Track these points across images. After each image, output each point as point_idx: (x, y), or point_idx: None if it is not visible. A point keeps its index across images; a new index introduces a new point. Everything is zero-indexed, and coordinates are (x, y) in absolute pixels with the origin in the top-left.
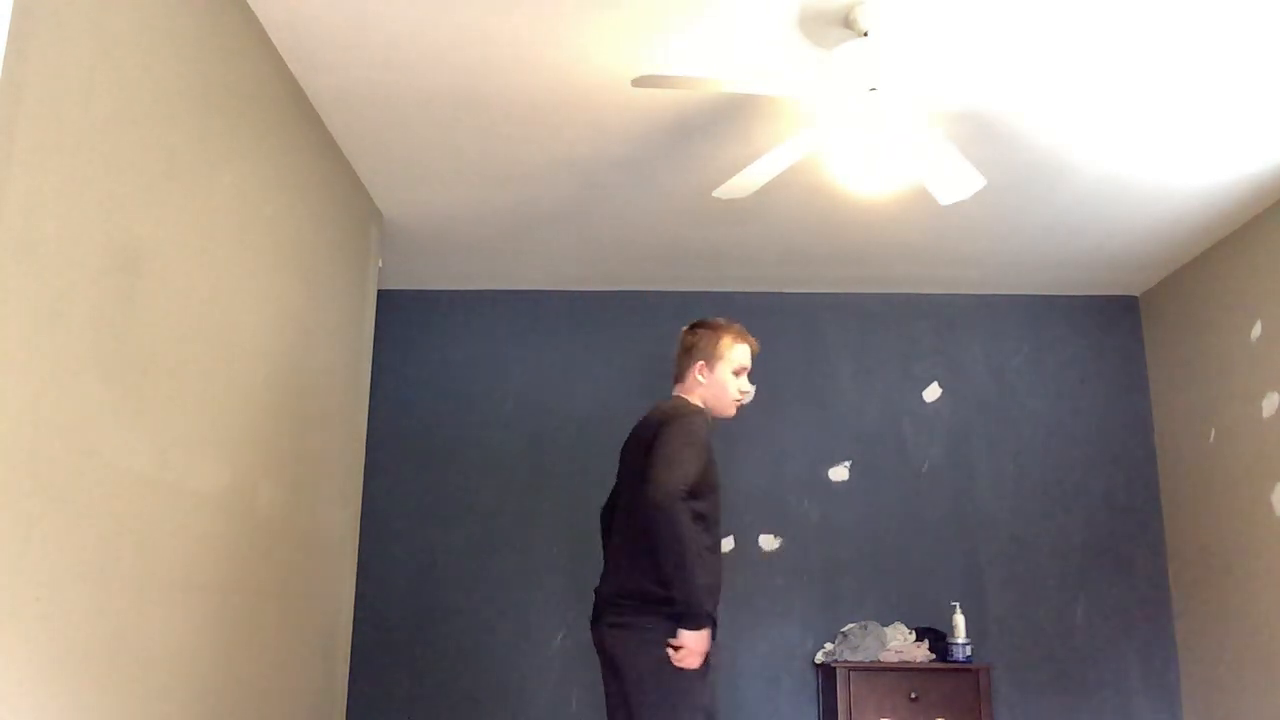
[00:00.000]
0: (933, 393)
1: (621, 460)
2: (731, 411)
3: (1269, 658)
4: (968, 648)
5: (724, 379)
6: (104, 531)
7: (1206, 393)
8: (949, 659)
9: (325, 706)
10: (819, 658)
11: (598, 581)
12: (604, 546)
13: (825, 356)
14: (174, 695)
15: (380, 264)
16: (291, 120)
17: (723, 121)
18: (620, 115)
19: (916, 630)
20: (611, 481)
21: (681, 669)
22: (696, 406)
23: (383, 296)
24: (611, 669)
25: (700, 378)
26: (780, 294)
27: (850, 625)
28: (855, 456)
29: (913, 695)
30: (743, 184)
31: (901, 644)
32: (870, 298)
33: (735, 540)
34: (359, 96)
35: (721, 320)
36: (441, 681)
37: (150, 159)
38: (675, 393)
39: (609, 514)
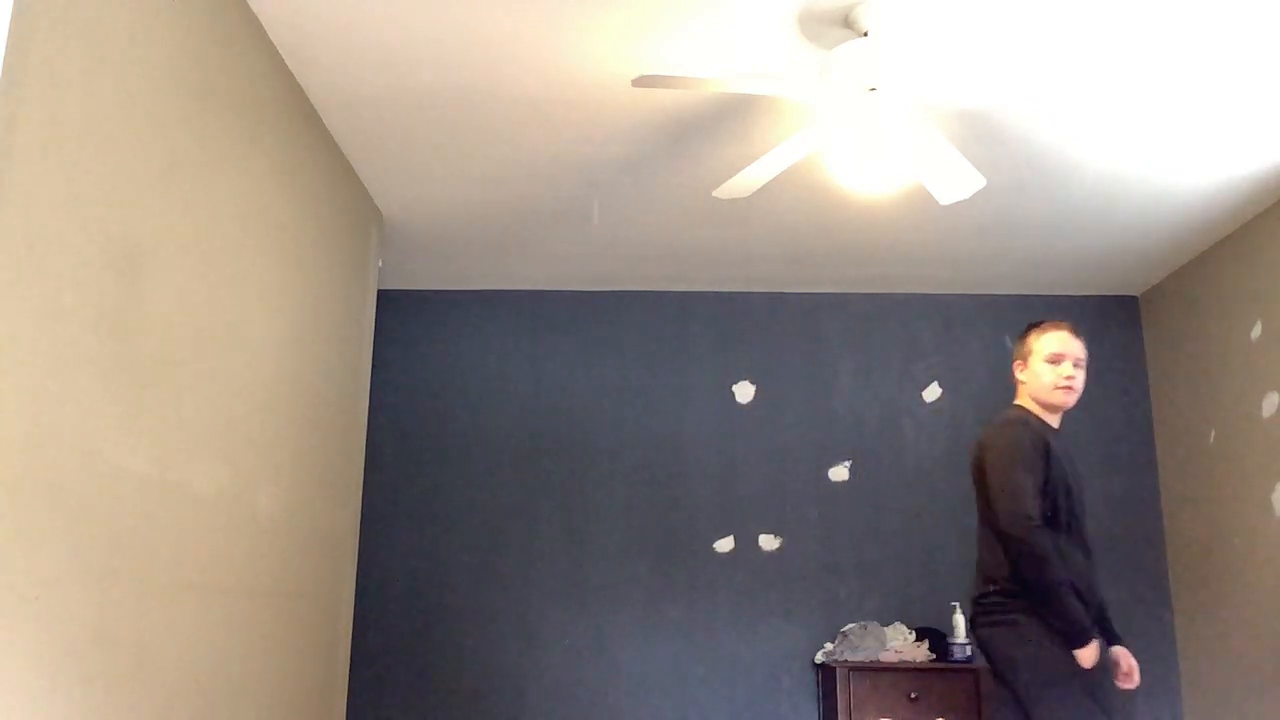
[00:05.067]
0: (933, 393)
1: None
2: (1060, 399)
3: (1269, 657)
4: (968, 648)
5: (1037, 369)
6: (104, 531)
7: (1206, 393)
8: (949, 659)
9: (325, 706)
10: (819, 658)
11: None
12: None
13: (825, 356)
14: (174, 695)
15: (380, 264)
16: (291, 120)
17: (723, 121)
18: (620, 115)
19: (916, 630)
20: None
21: (1058, 664)
22: (1012, 416)
23: (383, 296)
24: (993, 668)
25: (1021, 376)
26: (780, 294)
27: (850, 625)
28: (855, 456)
29: (913, 695)
30: (743, 184)
31: (901, 644)
32: (870, 298)
33: (735, 540)
34: (359, 96)
35: (1035, 321)
36: (442, 681)
37: (150, 159)
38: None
39: None
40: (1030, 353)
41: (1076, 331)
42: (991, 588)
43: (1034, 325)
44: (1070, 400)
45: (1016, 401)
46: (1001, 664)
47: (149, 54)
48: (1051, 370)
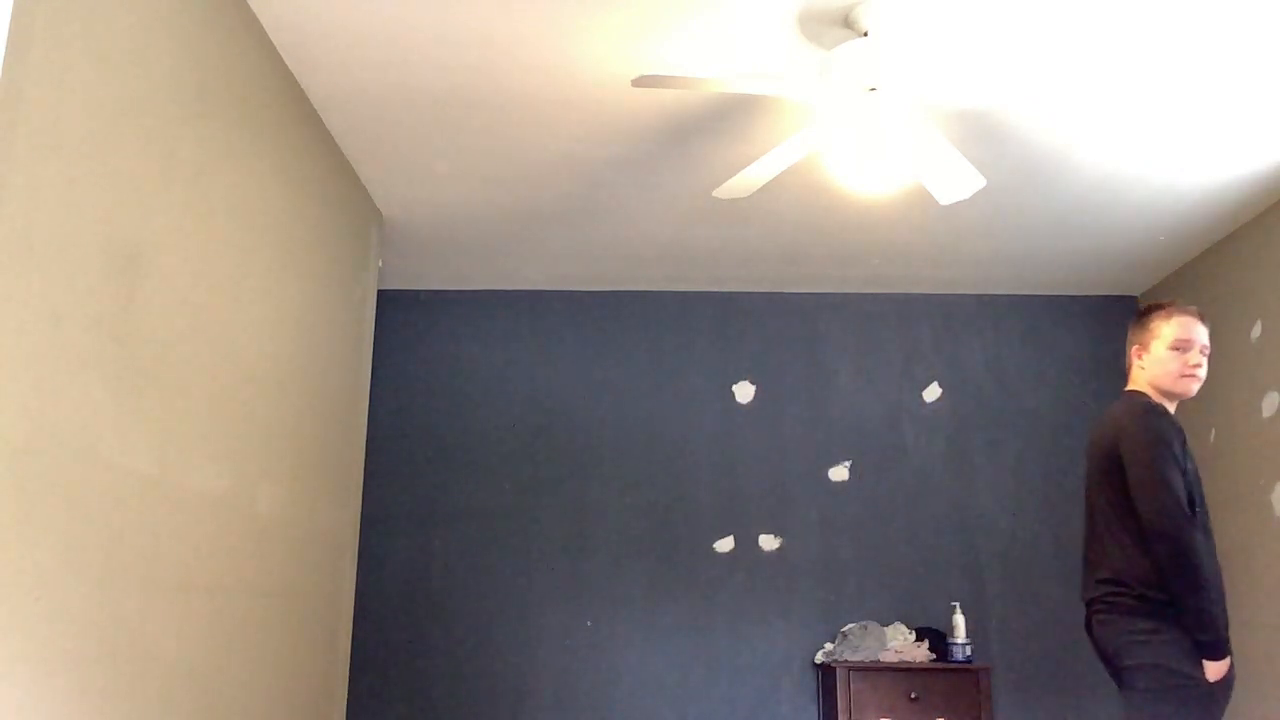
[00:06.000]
0: (933, 393)
1: (1088, 454)
2: (1185, 387)
3: (1269, 657)
4: (968, 648)
5: (1161, 356)
6: (104, 531)
7: (1206, 393)
8: (949, 659)
9: (325, 706)
10: (819, 658)
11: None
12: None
13: (825, 356)
14: (174, 695)
15: (380, 264)
16: (291, 120)
17: (723, 121)
18: (620, 115)
19: (916, 630)
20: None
21: (1177, 677)
22: (1144, 404)
23: (383, 296)
24: (1111, 669)
25: (1139, 362)
26: (780, 294)
27: (850, 625)
28: (855, 456)
29: (913, 695)
30: (743, 184)
31: (901, 644)
32: (870, 298)
33: (735, 540)
34: (359, 96)
35: (1156, 302)
36: (442, 681)
37: (149, 159)
38: (1126, 387)
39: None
40: (1154, 338)
41: (1203, 317)
42: (1118, 588)
43: (1156, 307)
44: (1194, 389)
45: (1131, 387)
46: (1123, 670)
47: (149, 54)
48: (1178, 357)
